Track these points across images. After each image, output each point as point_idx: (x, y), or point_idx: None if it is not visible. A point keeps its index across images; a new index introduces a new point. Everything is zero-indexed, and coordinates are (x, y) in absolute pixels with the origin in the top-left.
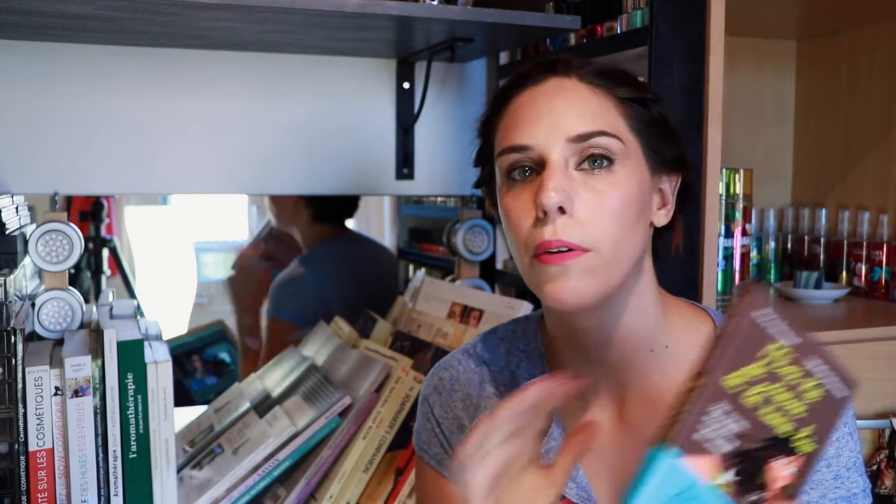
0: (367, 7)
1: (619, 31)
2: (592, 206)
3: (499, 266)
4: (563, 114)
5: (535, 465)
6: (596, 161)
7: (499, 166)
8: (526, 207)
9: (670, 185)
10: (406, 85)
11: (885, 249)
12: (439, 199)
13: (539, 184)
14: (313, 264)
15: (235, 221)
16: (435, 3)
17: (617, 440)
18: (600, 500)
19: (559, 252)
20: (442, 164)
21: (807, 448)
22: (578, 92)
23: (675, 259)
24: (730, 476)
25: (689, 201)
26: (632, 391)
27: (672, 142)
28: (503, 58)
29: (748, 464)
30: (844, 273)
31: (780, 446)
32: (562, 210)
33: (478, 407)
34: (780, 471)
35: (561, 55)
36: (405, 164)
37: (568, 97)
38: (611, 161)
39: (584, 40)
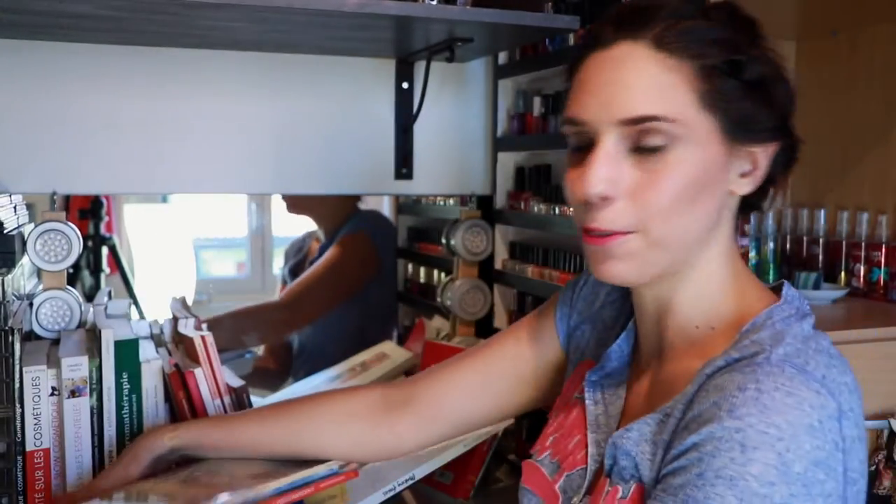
0: (367, 7)
1: None
2: (642, 187)
3: (497, 266)
4: (618, 92)
5: None
6: (646, 146)
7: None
8: (577, 183)
9: (765, 152)
10: (405, 85)
11: (883, 250)
12: (438, 198)
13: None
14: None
15: (235, 218)
16: (434, 2)
17: (645, 410)
18: None
19: (601, 235)
20: (441, 164)
21: None
22: (646, 63)
23: None
24: None
25: (790, 166)
26: (665, 366)
27: (767, 107)
28: (502, 58)
29: None
30: (843, 274)
31: None
32: (606, 198)
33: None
34: None
35: (635, 5)
36: (404, 163)
37: (630, 70)
38: (663, 144)
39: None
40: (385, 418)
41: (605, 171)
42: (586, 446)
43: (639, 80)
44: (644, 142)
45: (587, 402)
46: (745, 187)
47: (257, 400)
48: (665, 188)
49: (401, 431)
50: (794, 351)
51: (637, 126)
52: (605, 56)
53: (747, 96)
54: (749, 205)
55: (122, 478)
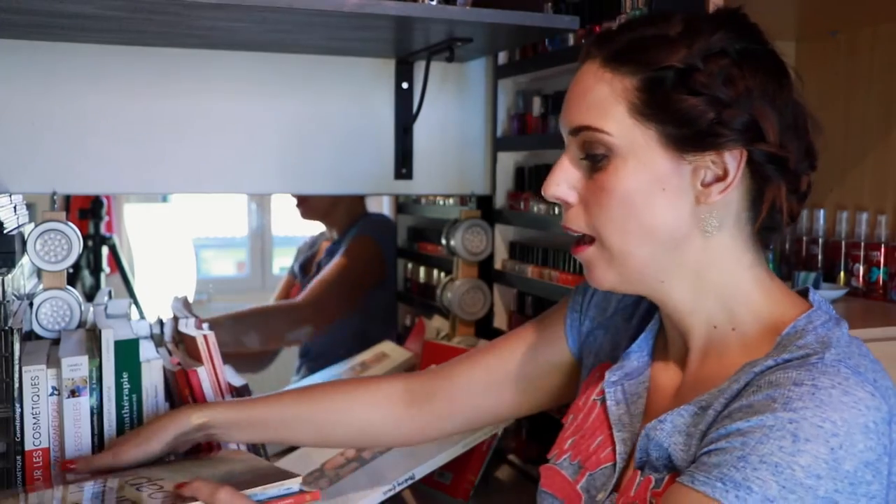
0: (366, 7)
1: None
2: (593, 196)
3: (497, 266)
4: (569, 104)
5: None
6: (591, 155)
7: None
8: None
9: (733, 157)
10: (405, 85)
11: (882, 250)
12: (438, 198)
13: None
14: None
15: (235, 218)
16: (434, 2)
17: (672, 406)
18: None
19: (576, 243)
20: (441, 164)
21: None
22: (590, 79)
23: None
24: None
25: (788, 175)
26: (696, 365)
27: (716, 112)
28: (502, 58)
29: None
30: (842, 274)
31: None
32: (563, 201)
33: (606, 311)
34: None
35: (611, 27)
36: (404, 163)
37: (579, 85)
38: (604, 154)
39: (583, 41)
40: (408, 411)
41: (561, 176)
42: (612, 445)
43: (582, 94)
44: (588, 151)
45: (609, 402)
46: (714, 195)
47: None
48: (604, 197)
49: (421, 425)
50: (845, 354)
51: (578, 136)
52: (577, 73)
53: (689, 104)
54: (765, 222)
55: (143, 454)
